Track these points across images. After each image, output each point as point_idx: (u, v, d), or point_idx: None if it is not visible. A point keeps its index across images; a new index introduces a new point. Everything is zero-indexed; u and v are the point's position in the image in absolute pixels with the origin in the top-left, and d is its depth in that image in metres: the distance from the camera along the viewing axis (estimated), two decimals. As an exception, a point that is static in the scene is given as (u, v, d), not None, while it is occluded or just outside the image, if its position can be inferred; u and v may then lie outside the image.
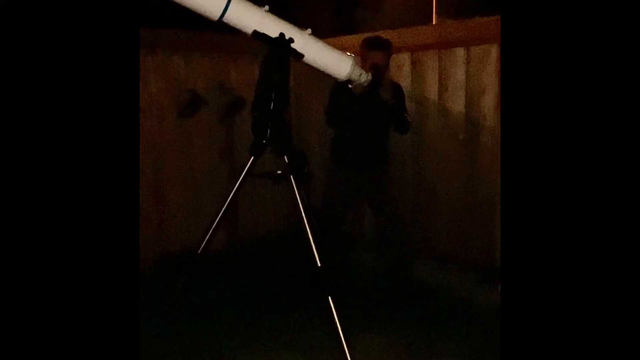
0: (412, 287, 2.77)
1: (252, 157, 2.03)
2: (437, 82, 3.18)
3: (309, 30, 1.97)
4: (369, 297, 2.76)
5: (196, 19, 1.82)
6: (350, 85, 2.19)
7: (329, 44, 2.07)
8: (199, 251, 2.13)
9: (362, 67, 2.18)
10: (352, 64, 2.07)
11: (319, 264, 1.91)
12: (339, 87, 2.58)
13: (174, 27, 2.93)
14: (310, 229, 1.92)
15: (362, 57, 2.50)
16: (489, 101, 2.98)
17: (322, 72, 2.08)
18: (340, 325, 1.87)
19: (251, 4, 1.85)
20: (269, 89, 1.95)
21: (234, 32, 1.88)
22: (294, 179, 1.96)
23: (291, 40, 1.89)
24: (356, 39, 2.79)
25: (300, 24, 1.98)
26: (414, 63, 3.28)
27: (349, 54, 2.11)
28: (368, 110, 2.59)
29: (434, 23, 4.75)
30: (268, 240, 3.61)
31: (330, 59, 2.05)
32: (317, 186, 2.89)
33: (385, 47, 2.57)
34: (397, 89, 2.69)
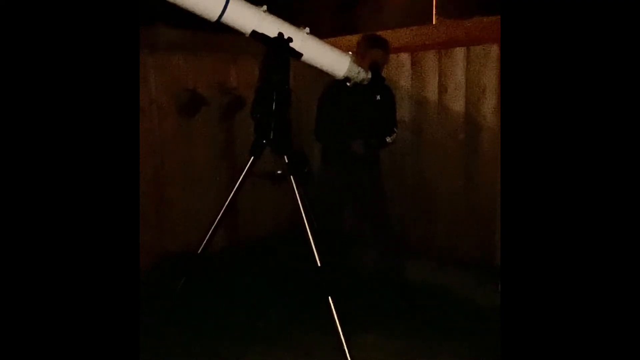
0: (406, 287, 2.77)
1: (252, 157, 2.03)
2: (437, 82, 3.18)
3: (307, 29, 1.97)
4: (369, 297, 2.76)
5: (196, 19, 1.82)
6: (348, 83, 2.20)
7: (328, 43, 2.07)
8: (199, 251, 2.13)
9: (360, 65, 2.19)
10: (350, 62, 2.07)
11: (319, 264, 1.91)
12: (327, 101, 2.60)
13: (174, 27, 2.93)
14: (310, 229, 1.92)
15: (361, 54, 2.50)
16: (489, 101, 2.98)
17: (321, 70, 2.08)
18: (340, 325, 1.87)
19: (249, 4, 1.85)
20: (269, 89, 1.95)
21: (233, 32, 1.88)
22: (294, 179, 1.96)
23: (290, 39, 1.89)
24: (356, 39, 2.79)
25: (300, 24, 1.98)
26: (414, 63, 3.28)
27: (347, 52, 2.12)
28: (360, 114, 2.60)
29: (434, 23, 4.74)
30: (268, 240, 3.61)
31: (329, 57, 2.05)
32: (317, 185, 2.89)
33: (385, 45, 2.58)
34: (389, 91, 2.72)
